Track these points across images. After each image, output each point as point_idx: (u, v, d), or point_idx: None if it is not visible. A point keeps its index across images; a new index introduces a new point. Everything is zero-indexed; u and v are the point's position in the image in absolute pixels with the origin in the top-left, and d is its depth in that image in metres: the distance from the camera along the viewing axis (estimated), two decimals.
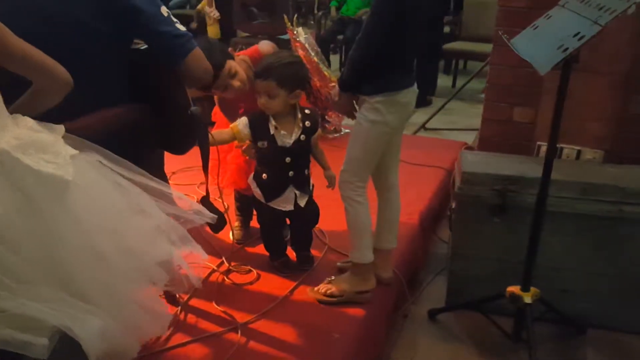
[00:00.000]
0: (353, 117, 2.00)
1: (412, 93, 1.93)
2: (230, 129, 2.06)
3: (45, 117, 1.51)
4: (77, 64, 1.57)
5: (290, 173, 2.07)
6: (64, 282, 1.16)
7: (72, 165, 1.21)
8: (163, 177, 1.93)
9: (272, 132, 2.03)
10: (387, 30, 1.75)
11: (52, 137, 1.24)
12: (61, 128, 1.30)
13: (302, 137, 2.06)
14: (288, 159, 2.05)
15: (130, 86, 1.70)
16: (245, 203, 2.43)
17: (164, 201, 1.46)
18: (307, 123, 2.06)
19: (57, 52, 1.55)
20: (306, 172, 2.13)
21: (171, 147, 1.87)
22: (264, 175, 2.08)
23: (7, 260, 1.10)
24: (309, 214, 2.20)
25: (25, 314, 1.09)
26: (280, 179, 2.09)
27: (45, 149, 1.19)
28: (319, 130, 2.13)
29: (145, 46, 1.72)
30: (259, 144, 2.06)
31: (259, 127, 2.04)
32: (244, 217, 2.47)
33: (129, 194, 1.35)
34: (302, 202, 2.13)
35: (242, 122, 2.05)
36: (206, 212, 1.58)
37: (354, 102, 1.95)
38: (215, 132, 2.04)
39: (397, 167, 2.12)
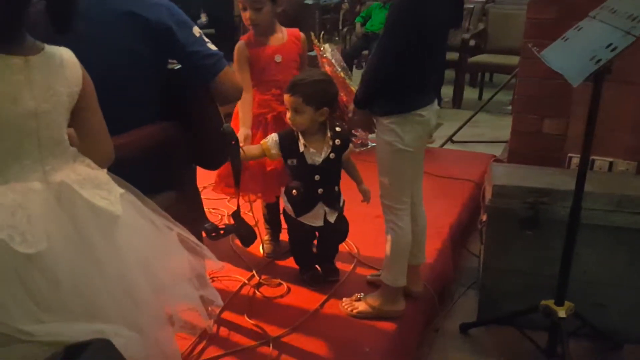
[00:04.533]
0: (372, 131, 2.01)
1: (428, 112, 1.88)
2: (260, 145, 2.08)
3: None
4: (118, 84, 1.62)
5: (320, 190, 2.08)
6: (92, 312, 1.20)
7: (120, 202, 1.28)
8: (196, 191, 1.98)
9: (301, 150, 2.04)
10: (401, 51, 1.74)
11: (106, 175, 1.32)
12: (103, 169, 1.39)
13: (332, 155, 2.06)
14: (317, 177, 2.06)
15: (166, 105, 1.74)
16: (274, 216, 2.45)
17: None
18: (337, 141, 2.07)
19: (99, 72, 1.61)
20: (336, 188, 2.13)
21: (204, 162, 1.91)
22: (294, 191, 2.10)
23: (40, 285, 1.14)
24: (338, 230, 2.20)
25: (41, 341, 1.12)
26: (309, 196, 2.10)
27: (100, 185, 1.27)
28: (350, 146, 2.13)
29: (180, 66, 1.77)
30: (289, 161, 2.08)
31: (288, 145, 2.06)
32: (273, 230, 2.49)
33: (162, 233, 1.40)
34: (332, 218, 2.13)
35: (272, 140, 2.07)
36: (215, 259, 1.56)
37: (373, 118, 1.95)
38: (246, 148, 2.06)
39: (421, 183, 2.10)
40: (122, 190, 1.31)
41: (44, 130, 1.20)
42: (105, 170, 1.34)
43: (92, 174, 1.27)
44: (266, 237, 2.48)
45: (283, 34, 2.24)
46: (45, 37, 1.51)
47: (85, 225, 1.21)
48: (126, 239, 1.28)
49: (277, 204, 2.40)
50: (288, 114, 2.03)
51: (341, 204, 2.17)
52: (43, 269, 1.14)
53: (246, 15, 2.16)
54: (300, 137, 2.05)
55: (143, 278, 1.29)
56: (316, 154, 2.05)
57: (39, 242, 1.12)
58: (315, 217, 2.13)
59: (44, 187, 1.19)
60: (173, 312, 1.41)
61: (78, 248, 1.19)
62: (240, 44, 2.22)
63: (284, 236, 2.46)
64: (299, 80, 2.01)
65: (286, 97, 2.02)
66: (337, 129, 2.10)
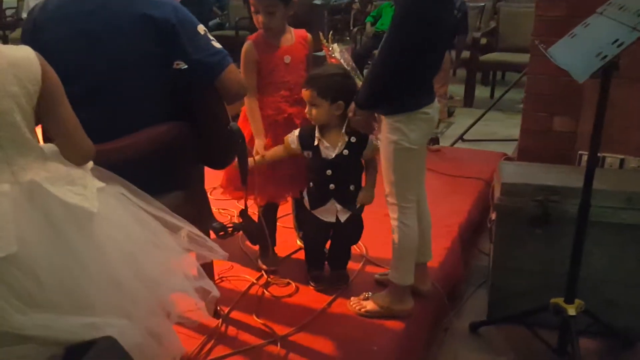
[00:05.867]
0: (372, 132, 2.01)
1: (433, 109, 1.90)
2: (284, 140, 2.12)
3: (95, 135, 1.59)
4: (125, 84, 1.64)
5: (331, 186, 2.08)
6: (80, 307, 1.21)
7: (97, 197, 1.27)
8: (203, 191, 1.99)
9: (315, 143, 2.06)
10: (409, 50, 1.74)
11: (81, 170, 1.30)
12: (89, 163, 1.37)
13: (345, 151, 2.06)
14: (329, 172, 2.07)
15: (174, 104, 1.76)
16: (269, 228, 2.31)
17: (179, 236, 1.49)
18: (353, 139, 2.06)
19: (106, 72, 1.64)
20: (351, 187, 2.11)
21: (212, 162, 1.92)
22: (310, 183, 2.13)
23: (22, 284, 1.15)
24: (349, 230, 2.19)
25: (33, 334, 1.12)
26: (322, 191, 2.10)
27: (73, 181, 1.26)
28: (374, 146, 2.08)
29: (186, 66, 1.78)
30: (305, 153, 2.10)
31: (306, 137, 2.09)
32: (270, 244, 2.36)
33: (149, 227, 1.39)
34: (343, 217, 2.13)
35: (293, 135, 2.11)
36: (219, 249, 1.56)
37: (375, 117, 1.94)
38: (271, 151, 2.11)
39: (424, 180, 2.09)
40: (100, 185, 1.30)
41: (2, 132, 1.20)
42: (89, 165, 1.33)
43: (64, 171, 1.26)
44: (263, 253, 2.38)
45: (292, 35, 2.22)
46: (53, 38, 1.53)
47: (59, 223, 1.20)
48: (106, 233, 1.28)
49: (274, 213, 2.37)
50: (306, 108, 2.06)
51: (358, 205, 2.15)
52: (22, 268, 1.14)
53: (258, 18, 2.12)
54: (317, 130, 2.07)
55: (129, 271, 1.29)
56: (330, 148, 2.06)
57: (9, 245, 1.12)
58: (328, 212, 2.13)
59: (14, 187, 1.19)
60: (168, 304, 1.41)
61: (55, 246, 1.19)
62: (248, 46, 2.17)
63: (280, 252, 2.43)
64: (315, 74, 2.04)
65: (303, 90, 2.05)
66: None
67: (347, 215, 2.13)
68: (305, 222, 2.24)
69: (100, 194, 1.28)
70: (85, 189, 1.26)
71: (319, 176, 2.09)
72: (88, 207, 1.23)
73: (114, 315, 1.22)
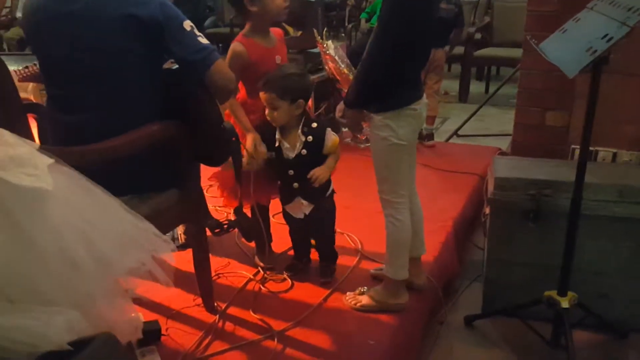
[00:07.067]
0: (359, 131, 2.02)
1: (421, 105, 1.92)
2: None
3: (89, 135, 1.59)
4: (115, 86, 1.65)
5: (295, 185, 2.10)
6: (35, 291, 1.16)
7: (50, 174, 1.20)
8: (199, 189, 2.01)
9: (277, 144, 2.08)
10: (397, 48, 1.75)
11: (28, 149, 1.24)
12: (35, 145, 1.30)
13: (304, 151, 2.06)
14: (291, 172, 2.09)
15: (167, 104, 1.76)
16: (265, 224, 2.34)
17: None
18: (309, 138, 2.06)
19: (96, 75, 1.65)
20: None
21: (206, 159, 1.93)
22: (279, 181, 2.15)
23: None
24: (316, 223, 2.21)
25: None
26: (287, 189, 2.14)
27: (23, 162, 1.19)
28: (332, 141, 2.08)
29: (177, 66, 1.79)
30: (268, 154, 2.11)
31: (268, 138, 2.10)
32: (266, 241, 2.36)
33: (100, 200, 1.34)
34: (307, 211, 2.16)
35: (257, 139, 2.10)
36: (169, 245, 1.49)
37: (364, 116, 1.95)
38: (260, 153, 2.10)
39: (414, 174, 2.10)
40: (50, 160, 1.23)
41: None
42: (31, 143, 1.27)
43: (12, 153, 1.19)
44: (259, 250, 2.40)
45: (272, 34, 2.20)
46: (38, 41, 1.53)
47: (11, 208, 1.14)
48: (59, 212, 1.22)
49: (267, 210, 2.37)
50: (266, 111, 2.05)
51: (327, 195, 2.17)
52: None
53: None
54: (277, 131, 2.08)
55: (83, 250, 1.24)
56: (290, 149, 2.08)
57: None
58: (297, 209, 2.17)
59: None
60: (125, 282, 1.37)
61: (10, 235, 1.14)
62: (239, 48, 2.08)
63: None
64: (272, 76, 2.03)
65: (261, 94, 2.03)
66: (314, 125, 2.08)
67: (311, 208, 2.16)
68: (284, 217, 2.28)
69: (50, 171, 1.21)
70: (37, 168, 1.18)
71: (283, 175, 2.12)
72: (43, 187, 1.16)
73: (64, 302, 1.17)
